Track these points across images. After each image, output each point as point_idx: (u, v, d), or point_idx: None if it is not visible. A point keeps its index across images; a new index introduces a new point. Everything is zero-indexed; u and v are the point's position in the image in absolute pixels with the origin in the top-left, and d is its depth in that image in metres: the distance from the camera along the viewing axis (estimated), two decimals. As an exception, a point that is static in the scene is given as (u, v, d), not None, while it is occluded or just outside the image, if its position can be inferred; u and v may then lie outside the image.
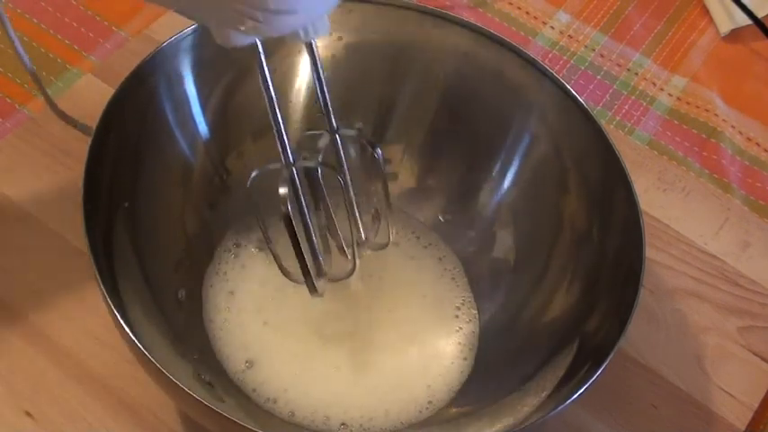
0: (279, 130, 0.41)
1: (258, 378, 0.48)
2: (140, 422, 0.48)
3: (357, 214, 0.47)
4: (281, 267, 0.47)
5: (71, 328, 0.51)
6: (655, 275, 0.58)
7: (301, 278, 0.44)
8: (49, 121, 0.58)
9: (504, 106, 0.53)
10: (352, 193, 0.46)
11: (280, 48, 0.52)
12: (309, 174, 0.45)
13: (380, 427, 0.48)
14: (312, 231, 0.43)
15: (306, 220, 0.43)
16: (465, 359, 0.51)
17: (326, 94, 0.44)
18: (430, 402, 0.49)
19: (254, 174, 0.44)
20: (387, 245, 0.50)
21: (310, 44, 0.43)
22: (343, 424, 0.48)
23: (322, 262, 0.45)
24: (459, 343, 0.52)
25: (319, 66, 0.44)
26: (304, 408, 0.48)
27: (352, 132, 0.47)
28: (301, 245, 0.43)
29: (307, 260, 0.43)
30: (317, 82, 0.44)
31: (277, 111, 0.40)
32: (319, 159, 0.44)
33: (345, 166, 0.46)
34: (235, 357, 0.49)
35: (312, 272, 0.44)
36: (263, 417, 0.47)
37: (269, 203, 0.43)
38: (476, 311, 0.53)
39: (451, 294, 0.53)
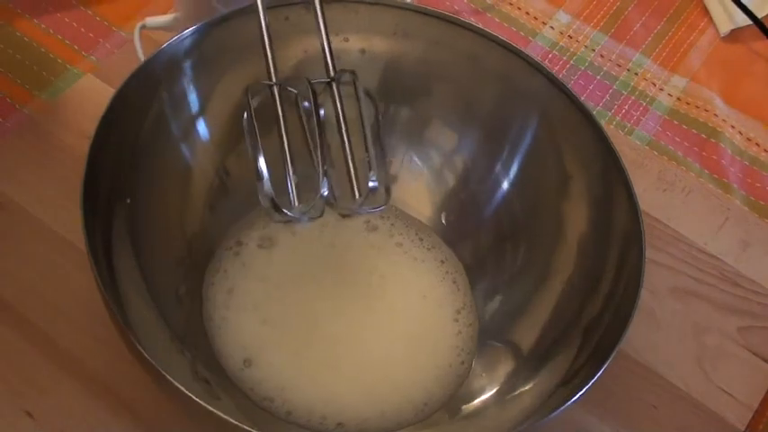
0: (265, 52, 0.47)
1: (256, 376, 0.48)
2: (140, 422, 0.48)
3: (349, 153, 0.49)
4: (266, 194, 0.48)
5: (71, 327, 0.51)
6: (655, 275, 0.58)
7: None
8: (48, 121, 0.58)
9: (504, 107, 0.53)
10: (344, 130, 0.49)
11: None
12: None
13: (376, 427, 0.48)
14: (287, 153, 0.47)
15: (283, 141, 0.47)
16: (462, 363, 0.51)
17: (328, 38, 0.49)
18: (425, 404, 0.49)
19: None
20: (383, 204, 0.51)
21: None
22: (339, 424, 0.48)
23: (291, 184, 0.47)
24: (458, 346, 0.51)
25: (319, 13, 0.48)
26: (301, 407, 0.48)
27: (349, 78, 0.50)
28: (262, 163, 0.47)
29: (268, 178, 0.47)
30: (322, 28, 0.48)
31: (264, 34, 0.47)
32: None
33: (340, 109, 0.49)
34: (233, 356, 0.49)
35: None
36: (260, 416, 0.47)
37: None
38: (476, 315, 0.53)
39: (452, 297, 0.53)
